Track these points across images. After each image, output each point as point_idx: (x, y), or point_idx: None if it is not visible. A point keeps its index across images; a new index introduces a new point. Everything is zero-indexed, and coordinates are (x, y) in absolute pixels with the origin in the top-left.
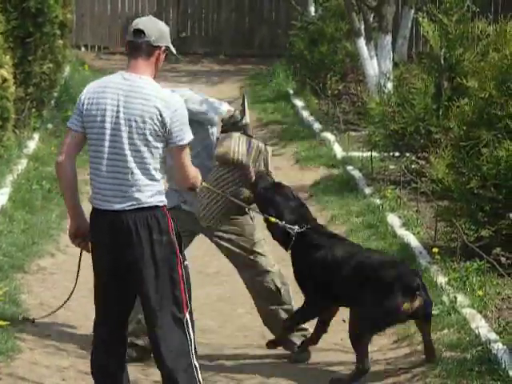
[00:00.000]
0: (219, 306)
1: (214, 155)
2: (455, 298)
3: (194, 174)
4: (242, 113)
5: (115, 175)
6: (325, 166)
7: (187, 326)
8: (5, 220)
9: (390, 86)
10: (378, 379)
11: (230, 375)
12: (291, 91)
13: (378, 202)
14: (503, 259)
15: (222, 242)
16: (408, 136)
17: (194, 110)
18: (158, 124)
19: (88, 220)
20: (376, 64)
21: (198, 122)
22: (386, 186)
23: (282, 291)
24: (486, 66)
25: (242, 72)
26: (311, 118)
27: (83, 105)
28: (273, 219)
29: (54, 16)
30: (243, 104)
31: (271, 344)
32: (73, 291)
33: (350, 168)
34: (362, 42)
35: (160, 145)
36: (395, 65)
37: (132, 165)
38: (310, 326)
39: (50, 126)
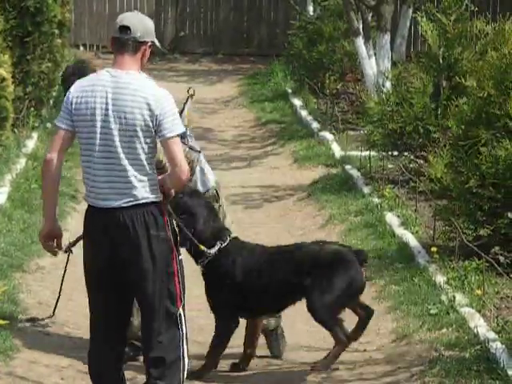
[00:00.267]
0: None
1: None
2: (454, 297)
3: (187, 167)
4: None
5: (109, 172)
6: (323, 165)
7: (180, 321)
8: (4, 219)
9: (388, 85)
10: (376, 378)
11: (227, 374)
12: (290, 90)
13: (376, 201)
14: (502, 258)
15: None
16: (406, 135)
17: None
18: (147, 118)
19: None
20: (374, 63)
21: None
22: (384, 185)
23: None
24: (484, 65)
25: (240, 71)
26: (309, 118)
27: (72, 104)
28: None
29: (53, 15)
30: (184, 104)
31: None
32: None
33: (348, 167)
34: (360, 41)
35: (151, 139)
36: (394, 64)
37: (125, 161)
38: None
39: (48, 125)
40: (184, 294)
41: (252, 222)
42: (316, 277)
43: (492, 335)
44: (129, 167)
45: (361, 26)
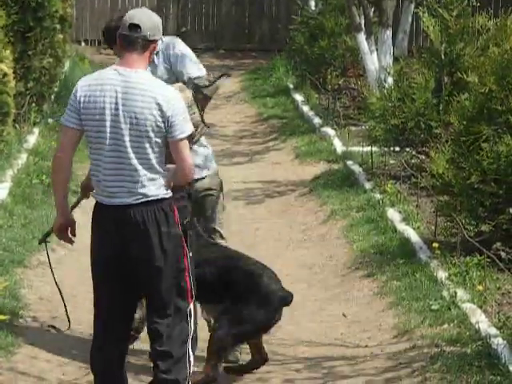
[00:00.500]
0: None
1: None
2: (455, 292)
3: (193, 167)
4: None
5: (119, 172)
6: (325, 160)
7: (189, 317)
8: (5, 215)
9: (390, 80)
10: (378, 374)
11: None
12: (291, 86)
13: (378, 196)
14: (503, 254)
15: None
16: (408, 131)
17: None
18: (159, 119)
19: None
20: (376, 59)
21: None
22: (386, 180)
23: None
24: (486, 60)
25: (242, 67)
26: (311, 113)
27: (79, 102)
28: None
29: (54, 10)
30: (219, 78)
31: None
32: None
33: (350, 163)
34: (362, 36)
35: (161, 139)
36: (395, 59)
37: (135, 161)
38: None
39: (50, 120)
40: (194, 289)
41: (253, 218)
42: (230, 303)
43: (493, 331)
44: (139, 167)
45: (363, 22)
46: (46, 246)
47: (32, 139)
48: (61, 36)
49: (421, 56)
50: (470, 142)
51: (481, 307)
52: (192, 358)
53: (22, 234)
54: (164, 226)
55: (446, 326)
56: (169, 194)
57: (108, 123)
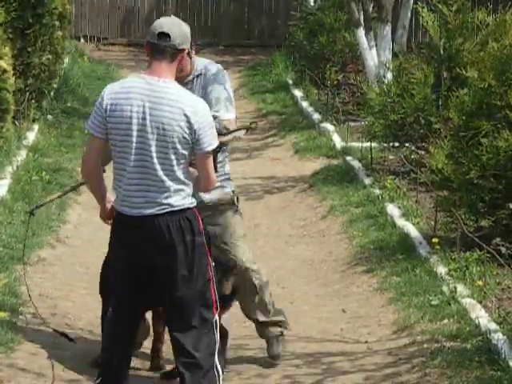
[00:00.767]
0: None
1: None
2: (455, 288)
3: (215, 178)
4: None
5: (143, 182)
6: (324, 156)
7: (215, 328)
8: (4, 211)
9: (389, 76)
10: (377, 369)
11: (229, 366)
12: (290, 82)
13: (377, 192)
14: (503, 249)
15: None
16: (407, 126)
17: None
18: (186, 131)
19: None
20: (375, 54)
21: None
22: (385, 176)
23: (259, 288)
24: (485, 56)
25: (241, 62)
26: (310, 109)
27: (106, 110)
28: None
29: (54, 7)
30: (237, 130)
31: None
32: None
33: (349, 158)
34: (361, 32)
35: (187, 152)
36: (395, 55)
37: (161, 173)
38: None
39: (49, 117)
40: (218, 300)
41: (253, 214)
42: None
43: (493, 326)
44: (164, 178)
45: (362, 17)
46: (29, 218)
47: (31, 136)
48: (60, 32)
49: (420, 51)
50: (469, 137)
51: (481, 302)
52: (220, 370)
53: (21, 231)
54: (189, 235)
55: (445, 321)
56: (194, 203)
57: (134, 133)
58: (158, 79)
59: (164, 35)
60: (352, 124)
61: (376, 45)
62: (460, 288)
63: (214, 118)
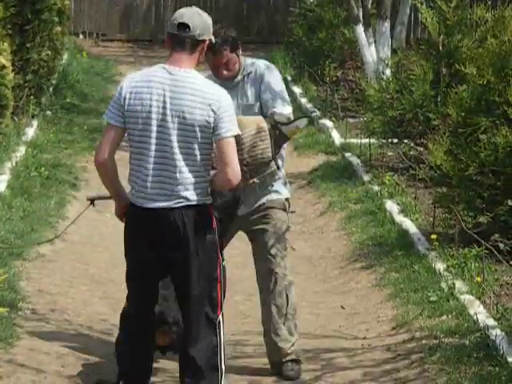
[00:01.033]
0: None
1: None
2: (453, 284)
3: (239, 171)
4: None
5: (161, 173)
6: (323, 152)
7: (219, 328)
8: (3, 207)
9: (388, 72)
10: (376, 365)
11: (228, 362)
12: (289, 78)
13: (376, 188)
14: (501, 245)
15: (257, 235)
16: (406, 122)
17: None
18: (207, 119)
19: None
20: (374, 50)
21: None
22: (384, 172)
23: (290, 300)
24: (484, 52)
25: None
26: (309, 105)
27: (125, 99)
28: None
29: (52, 3)
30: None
31: None
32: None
33: (348, 155)
34: (360, 28)
35: (209, 140)
36: (393, 51)
37: (180, 163)
38: None
39: (48, 113)
40: (224, 300)
41: None
42: None
43: (491, 322)
44: (184, 168)
45: (361, 13)
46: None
47: (30, 132)
48: (59, 28)
49: (419, 48)
50: (468, 133)
51: (479, 298)
52: (224, 369)
53: (20, 227)
54: (202, 232)
55: (444, 317)
56: (210, 200)
57: (154, 121)
58: (180, 69)
59: (183, 26)
60: (351, 120)
61: (375, 41)
62: (458, 284)
63: (276, 114)
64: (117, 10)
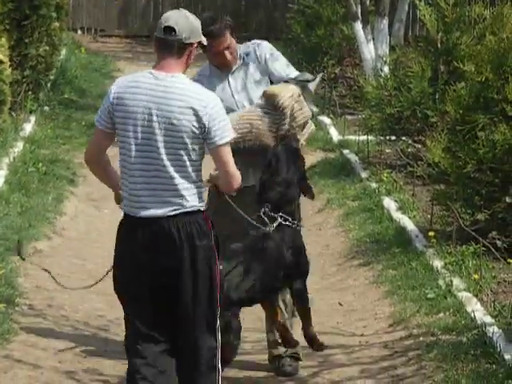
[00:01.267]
0: None
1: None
2: (451, 281)
3: (238, 174)
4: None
5: (152, 180)
6: (321, 149)
7: (218, 333)
8: (1, 203)
9: (386, 69)
10: (373, 362)
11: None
12: None
13: (374, 185)
14: (499, 243)
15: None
16: (404, 120)
17: None
18: (195, 125)
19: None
20: (373, 48)
21: None
22: (382, 169)
23: (288, 307)
24: (482, 49)
25: None
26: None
27: (112, 105)
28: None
29: None
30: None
31: None
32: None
33: (346, 152)
34: (358, 25)
35: (198, 146)
36: (392, 48)
37: (170, 169)
38: None
39: (46, 108)
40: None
41: None
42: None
43: (489, 319)
44: (175, 175)
45: (359, 10)
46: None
47: (28, 127)
48: (57, 24)
49: (417, 45)
50: (466, 130)
51: (476, 296)
52: (220, 375)
53: (18, 222)
54: (198, 239)
55: (441, 314)
56: (204, 205)
57: (139, 128)
58: (166, 74)
59: (169, 29)
60: (349, 117)
61: (373, 38)
62: (456, 281)
63: (295, 78)
64: (115, 5)
